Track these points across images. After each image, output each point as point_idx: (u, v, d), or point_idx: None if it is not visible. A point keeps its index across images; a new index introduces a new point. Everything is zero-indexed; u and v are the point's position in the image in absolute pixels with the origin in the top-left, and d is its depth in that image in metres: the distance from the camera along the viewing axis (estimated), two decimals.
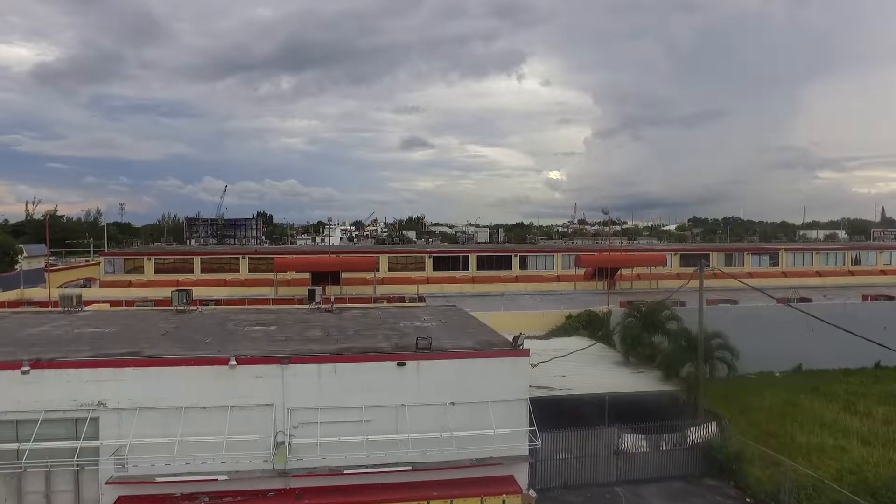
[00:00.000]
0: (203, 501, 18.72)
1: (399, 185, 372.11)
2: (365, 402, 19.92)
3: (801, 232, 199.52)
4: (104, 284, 57.11)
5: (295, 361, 19.89)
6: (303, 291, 42.10)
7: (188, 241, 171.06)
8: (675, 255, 66.98)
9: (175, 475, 18.61)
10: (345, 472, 19.35)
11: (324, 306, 31.75)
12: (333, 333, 24.86)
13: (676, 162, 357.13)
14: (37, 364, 18.86)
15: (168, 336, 24.19)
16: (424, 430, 19.80)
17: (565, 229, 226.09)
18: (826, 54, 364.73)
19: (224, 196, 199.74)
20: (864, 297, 45.86)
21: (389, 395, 20.12)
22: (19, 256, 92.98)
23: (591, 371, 28.82)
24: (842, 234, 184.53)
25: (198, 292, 40.74)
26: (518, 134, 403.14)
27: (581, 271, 61.11)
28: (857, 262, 72.30)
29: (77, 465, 18.48)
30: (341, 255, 63.88)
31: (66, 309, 30.15)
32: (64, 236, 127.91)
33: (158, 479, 18.58)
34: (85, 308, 32.47)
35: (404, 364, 20.33)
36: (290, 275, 56.08)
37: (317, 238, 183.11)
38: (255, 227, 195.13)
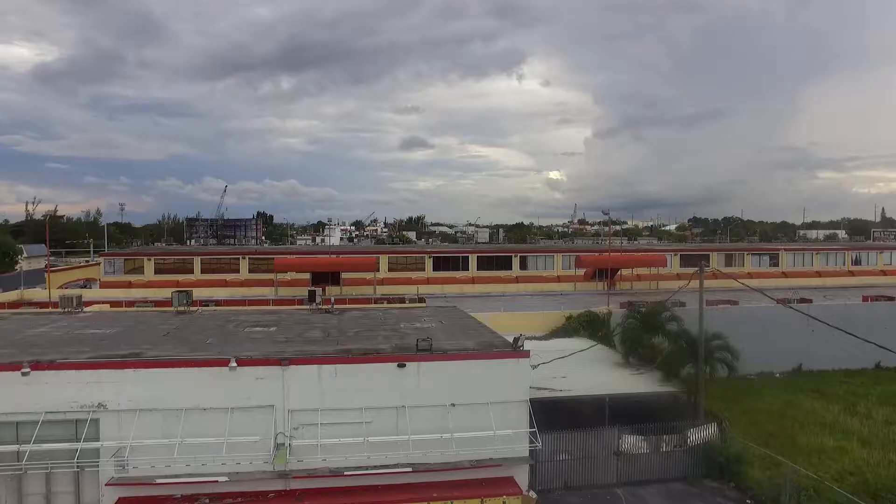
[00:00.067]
0: (203, 503, 18.72)
1: (399, 186, 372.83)
2: (365, 404, 19.92)
3: (801, 232, 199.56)
4: (104, 285, 57.04)
5: (295, 363, 19.89)
6: (303, 292, 42.06)
7: (188, 242, 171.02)
8: (675, 255, 66.90)
9: (175, 476, 18.61)
10: (345, 473, 19.37)
11: (324, 307, 31.75)
12: (334, 334, 24.86)
13: (676, 162, 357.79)
14: (37, 365, 18.85)
15: (168, 337, 24.19)
16: (425, 431, 19.81)
17: (565, 229, 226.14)
18: (826, 54, 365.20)
19: (224, 196, 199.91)
20: (865, 298, 45.86)
21: (390, 396, 20.12)
22: (19, 257, 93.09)
23: (592, 372, 28.80)
24: (842, 234, 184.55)
25: (198, 293, 40.70)
26: (518, 134, 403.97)
27: (581, 272, 61.03)
28: (857, 262, 72.25)
29: (77, 467, 18.48)
30: (341, 256, 63.88)
31: (66, 310, 30.14)
32: (64, 237, 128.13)
33: (159, 481, 18.58)
34: (85, 309, 32.46)
35: (405, 365, 20.33)
36: (290, 275, 56.05)
37: (317, 238, 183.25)
38: (255, 227, 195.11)
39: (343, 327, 26.46)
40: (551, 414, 22.52)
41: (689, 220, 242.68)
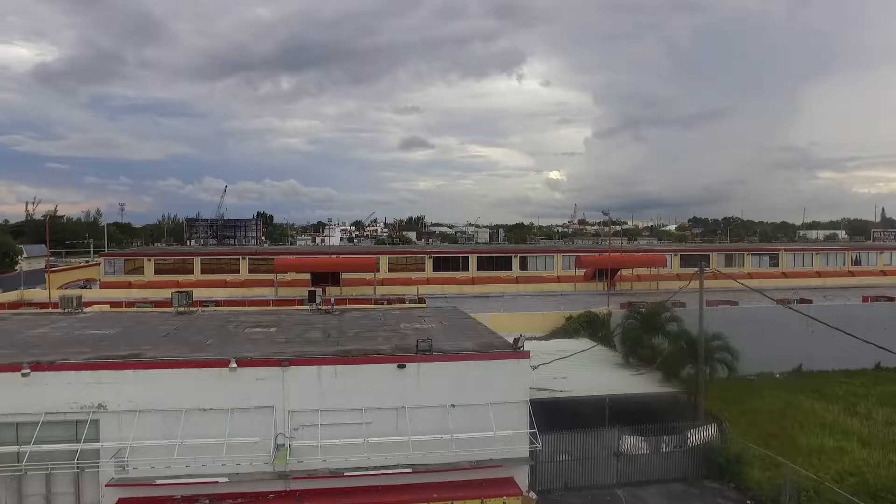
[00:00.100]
0: (203, 503, 18.72)
1: (399, 186, 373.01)
2: (365, 405, 19.92)
3: (801, 232, 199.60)
4: (104, 285, 57.04)
5: (295, 364, 19.89)
6: (303, 292, 42.09)
7: (188, 242, 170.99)
8: (675, 255, 66.92)
9: (175, 477, 18.61)
10: (345, 474, 19.37)
11: (324, 308, 31.75)
12: (334, 335, 24.86)
13: (676, 162, 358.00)
14: (37, 366, 18.85)
15: (169, 338, 24.19)
16: (425, 432, 19.82)
17: (565, 229, 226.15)
18: (826, 54, 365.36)
19: (224, 196, 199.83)
20: (865, 299, 45.85)
21: (390, 397, 20.12)
22: (19, 257, 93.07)
23: (592, 372, 28.80)
24: (842, 234, 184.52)
25: (198, 293, 40.72)
26: (518, 134, 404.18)
27: (581, 272, 61.05)
28: (857, 262, 72.28)
29: (77, 468, 18.48)
30: (341, 256, 63.90)
31: (66, 310, 30.12)
32: (64, 237, 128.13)
33: (159, 482, 18.58)
34: (85, 309, 32.45)
35: (405, 366, 20.33)
36: (291, 275, 56.08)
37: (317, 238, 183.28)
38: (255, 227, 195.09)
39: (343, 328, 26.46)
40: (551, 414, 22.54)
41: (689, 221, 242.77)
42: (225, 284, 56.69)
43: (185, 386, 19.20)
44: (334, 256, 63.19)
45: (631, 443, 23.67)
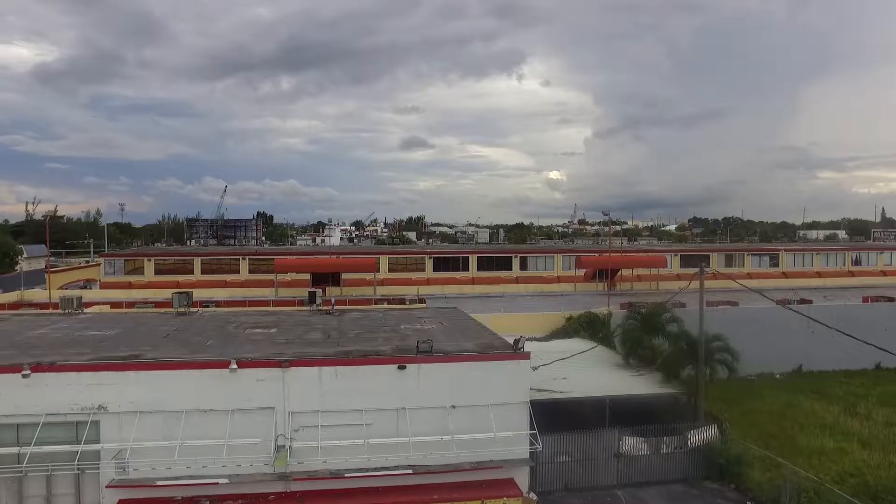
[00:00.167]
0: None
1: (399, 186, 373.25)
2: (366, 406, 19.93)
3: (802, 232, 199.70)
4: (104, 285, 57.04)
5: (296, 365, 19.90)
6: (303, 292, 42.07)
7: (188, 242, 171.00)
8: (676, 255, 66.91)
9: (176, 479, 18.62)
10: (346, 475, 19.36)
11: (324, 308, 31.75)
12: (334, 336, 24.86)
13: (676, 162, 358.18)
14: (38, 368, 18.86)
15: (169, 339, 24.19)
16: (425, 433, 19.82)
17: (565, 229, 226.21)
18: (826, 54, 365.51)
19: (224, 196, 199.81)
20: (865, 299, 45.85)
21: (390, 398, 20.13)
22: (19, 257, 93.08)
23: (592, 373, 28.79)
24: (842, 234, 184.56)
25: (198, 293, 40.70)
26: (518, 134, 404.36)
27: (581, 272, 61.04)
28: (857, 262, 72.24)
29: (78, 469, 18.48)
30: (341, 257, 63.88)
31: (66, 311, 30.13)
32: (64, 237, 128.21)
33: (159, 483, 18.59)
34: (85, 310, 32.46)
35: (405, 367, 20.33)
36: (291, 276, 56.08)
37: (317, 239, 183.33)
38: (255, 227, 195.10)
39: (343, 329, 26.46)
40: (552, 415, 22.55)
41: (689, 221, 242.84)
42: (225, 285, 56.68)
43: (185, 387, 19.21)
44: (334, 257, 63.17)
45: (631, 444, 23.67)
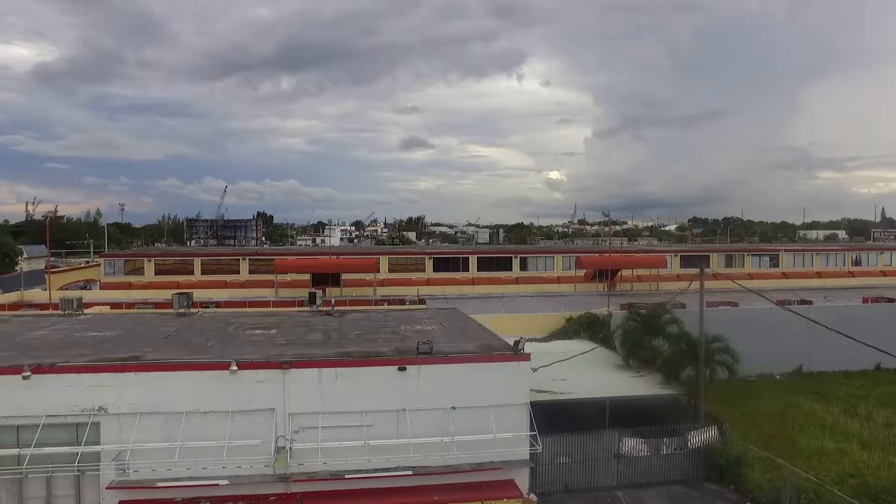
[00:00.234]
0: None
1: (399, 186, 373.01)
2: (366, 407, 19.94)
3: (802, 232, 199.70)
4: (104, 286, 57.06)
5: (296, 366, 19.90)
6: (303, 293, 42.09)
7: (188, 242, 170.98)
8: (676, 256, 66.92)
9: (176, 480, 18.64)
10: (346, 476, 19.37)
11: (324, 309, 31.75)
12: (334, 337, 24.87)
13: (676, 162, 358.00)
14: (38, 369, 18.86)
15: (169, 340, 24.21)
16: (425, 434, 19.84)
17: (565, 229, 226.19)
18: (826, 54, 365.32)
19: (224, 196, 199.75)
20: (865, 300, 45.84)
21: (390, 399, 20.14)
22: (19, 258, 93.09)
23: (592, 374, 28.79)
24: (842, 234, 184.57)
25: (198, 294, 40.73)
26: (518, 134, 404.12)
27: (581, 273, 61.05)
28: (857, 263, 72.26)
29: (78, 470, 18.49)
30: (342, 257, 63.91)
31: (66, 312, 30.14)
32: (64, 237, 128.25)
33: (159, 484, 18.60)
34: (86, 311, 32.47)
35: (405, 369, 20.34)
36: (291, 276, 56.09)
37: (317, 239, 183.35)
38: (255, 227, 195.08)
39: (343, 330, 26.47)
40: (552, 417, 22.54)
41: (689, 221, 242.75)
42: (225, 285, 56.70)
43: (185, 388, 19.22)
44: (334, 257, 63.20)
45: (631, 445, 23.67)
